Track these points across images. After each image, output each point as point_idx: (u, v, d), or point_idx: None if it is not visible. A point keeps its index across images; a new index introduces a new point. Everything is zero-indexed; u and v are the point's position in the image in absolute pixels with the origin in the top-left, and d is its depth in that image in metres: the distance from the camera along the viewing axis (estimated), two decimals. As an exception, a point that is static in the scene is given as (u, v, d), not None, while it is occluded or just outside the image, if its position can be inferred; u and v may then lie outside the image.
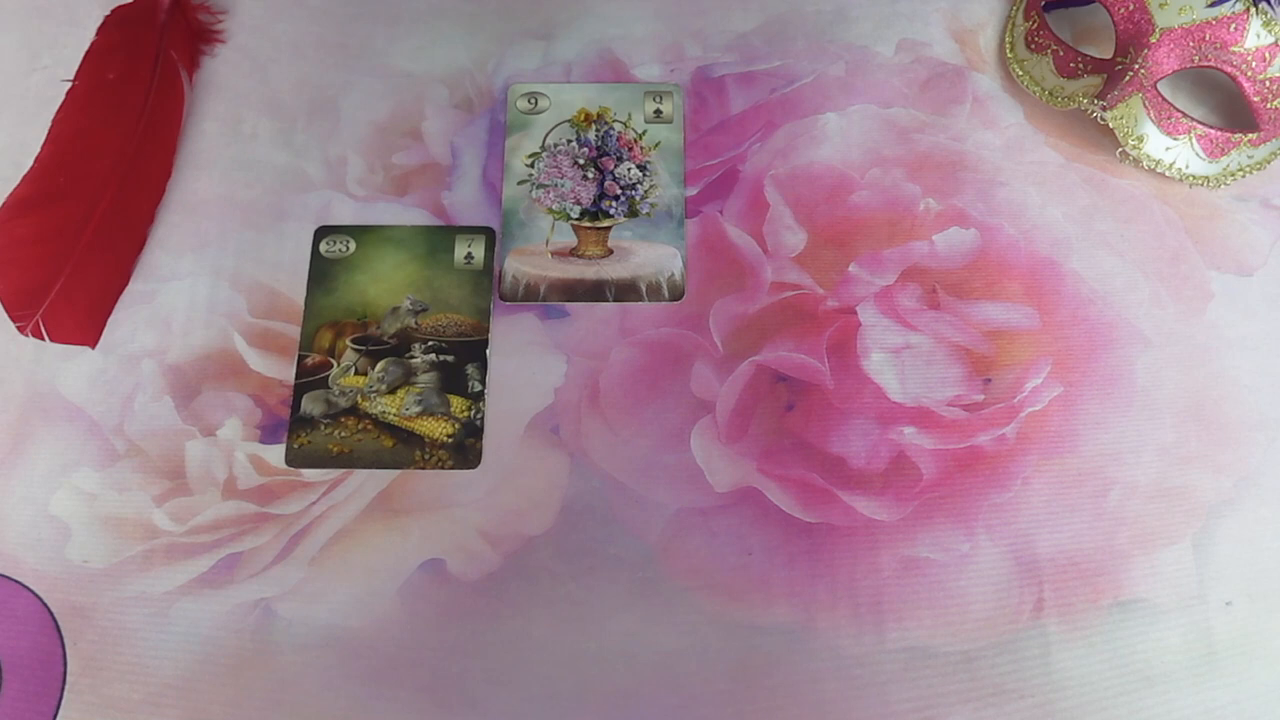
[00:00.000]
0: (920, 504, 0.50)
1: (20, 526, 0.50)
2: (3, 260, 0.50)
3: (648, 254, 0.55)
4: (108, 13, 0.56)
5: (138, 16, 0.55)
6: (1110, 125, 0.55)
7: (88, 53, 0.54)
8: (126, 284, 0.53)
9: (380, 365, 0.52)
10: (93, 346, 0.52)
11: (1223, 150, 0.56)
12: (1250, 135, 0.55)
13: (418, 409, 0.52)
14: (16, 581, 0.49)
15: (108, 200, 0.51)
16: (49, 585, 0.49)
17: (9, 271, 0.50)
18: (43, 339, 0.51)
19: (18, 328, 0.51)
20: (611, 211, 0.56)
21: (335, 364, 0.53)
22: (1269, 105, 0.55)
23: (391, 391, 0.52)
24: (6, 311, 0.50)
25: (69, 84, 0.53)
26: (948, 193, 0.56)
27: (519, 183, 0.57)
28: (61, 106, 0.53)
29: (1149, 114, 0.55)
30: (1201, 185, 0.56)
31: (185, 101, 0.55)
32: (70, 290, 0.51)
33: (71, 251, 0.50)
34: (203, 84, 0.60)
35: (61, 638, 0.48)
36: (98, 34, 0.54)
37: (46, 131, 0.52)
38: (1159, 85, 0.55)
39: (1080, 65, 0.57)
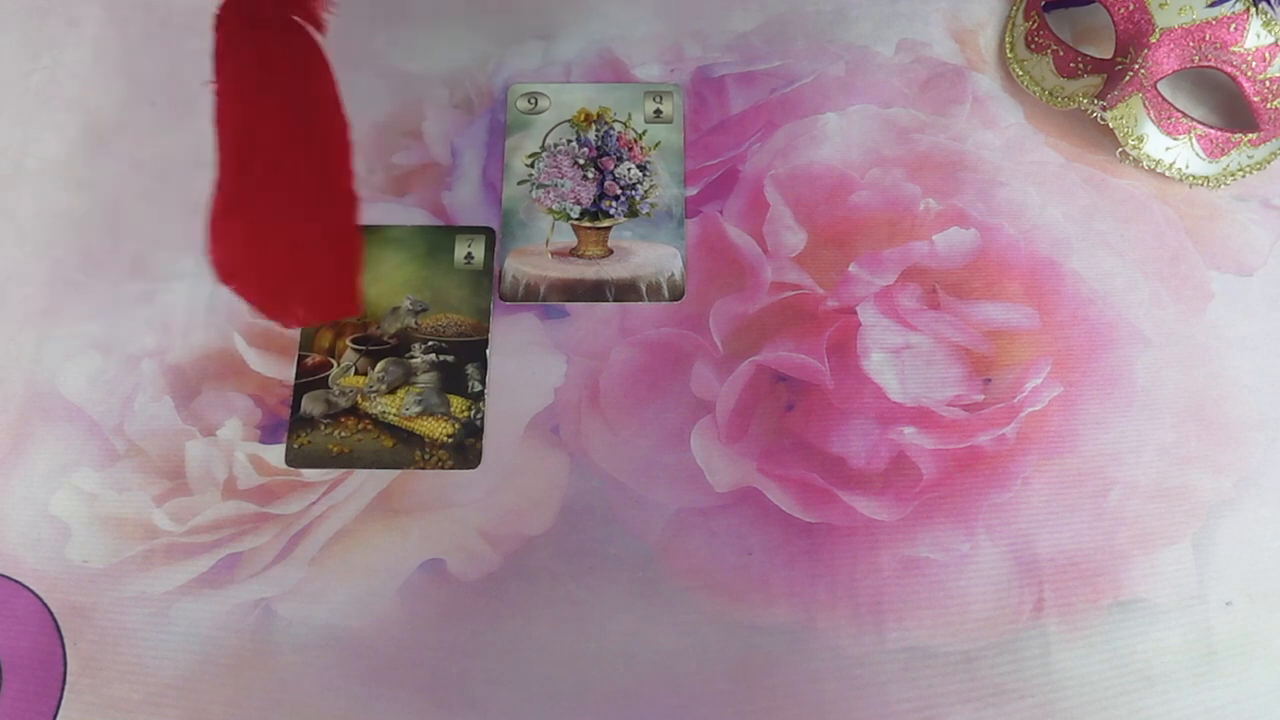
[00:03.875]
0: (920, 504, 0.50)
1: (20, 526, 0.50)
2: (236, 264, 0.49)
3: (648, 254, 0.55)
4: (215, 9, 0.54)
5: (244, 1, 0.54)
6: (1110, 125, 0.55)
7: (216, 51, 0.52)
8: (360, 244, 0.51)
9: (380, 365, 0.53)
10: (358, 315, 0.52)
11: (1223, 150, 0.56)
12: (1250, 135, 0.55)
13: (418, 409, 0.52)
14: (16, 581, 0.49)
15: (302, 177, 0.50)
16: (49, 585, 0.49)
17: (247, 275, 0.49)
18: (313, 325, 0.52)
19: (280, 324, 0.50)
20: (611, 211, 0.56)
21: (335, 364, 0.53)
22: (1269, 105, 0.55)
23: (391, 391, 0.52)
24: (266, 317, 0.49)
25: (210, 86, 0.51)
26: (948, 193, 0.56)
27: (519, 183, 0.57)
28: (217, 110, 0.51)
29: (1149, 114, 0.55)
30: (1201, 185, 0.56)
31: (327, 59, 0.53)
32: (311, 272, 0.49)
33: (290, 236, 0.49)
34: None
35: (61, 638, 0.48)
36: (216, 31, 0.53)
37: (215, 141, 0.50)
38: (1159, 85, 0.55)
39: (1080, 65, 0.57)
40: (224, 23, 0.52)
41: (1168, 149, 0.55)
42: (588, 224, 0.56)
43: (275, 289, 0.49)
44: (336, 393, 0.52)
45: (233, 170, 0.50)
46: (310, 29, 0.51)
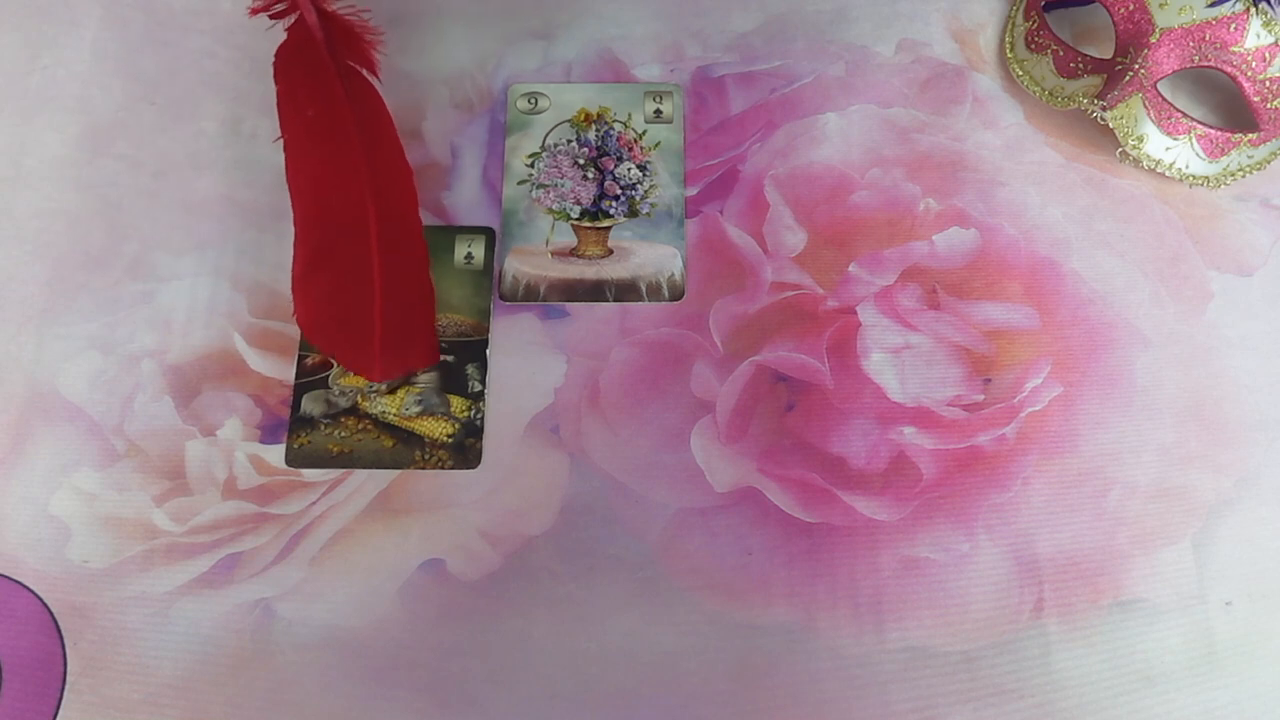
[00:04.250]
0: (920, 504, 0.50)
1: (20, 526, 0.50)
2: (319, 326, 0.51)
3: (648, 254, 0.55)
4: (272, 58, 0.53)
5: (299, 46, 0.53)
6: (1110, 125, 0.55)
7: (279, 102, 0.52)
8: (433, 291, 0.53)
9: (380, 365, 0.52)
10: (437, 361, 0.53)
11: (1223, 150, 0.56)
12: (1250, 135, 0.55)
13: (418, 409, 0.52)
14: (16, 581, 0.49)
15: (376, 225, 0.50)
16: (49, 585, 0.49)
17: (333, 333, 0.50)
18: (398, 377, 0.52)
19: (376, 383, 0.51)
20: (611, 211, 0.56)
21: (335, 364, 0.53)
22: (1269, 105, 0.55)
23: (391, 391, 0.52)
24: (355, 372, 0.51)
25: (279, 140, 0.52)
26: (948, 193, 0.56)
27: (519, 183, 0.57)
28: (287, 163, 0.52)
29: (1149, 114, 0.55)
30: (1201, 185, 0.56)
31: (383, 102, 0.54)
32: (393, 322, 0.50)
33: (373, 289, 0.50)
34: (203, 84, 0.60)
35: (61, 638, 0.48)
36: (276, 82, 0.53)
37: (289, 198, 0.52)
38: (1159, 85, 0.55)
39: (1080, 65, 0.57)
40: (283, 74, 0.52)
41: (1168, 149, 0.55)
42: (588, 224, 0.56)
43: (359, 343, 0.50)
44: (336, 393, 0.52)
45: (309, 226, 0.51)
46: (366, 74, 0.52)
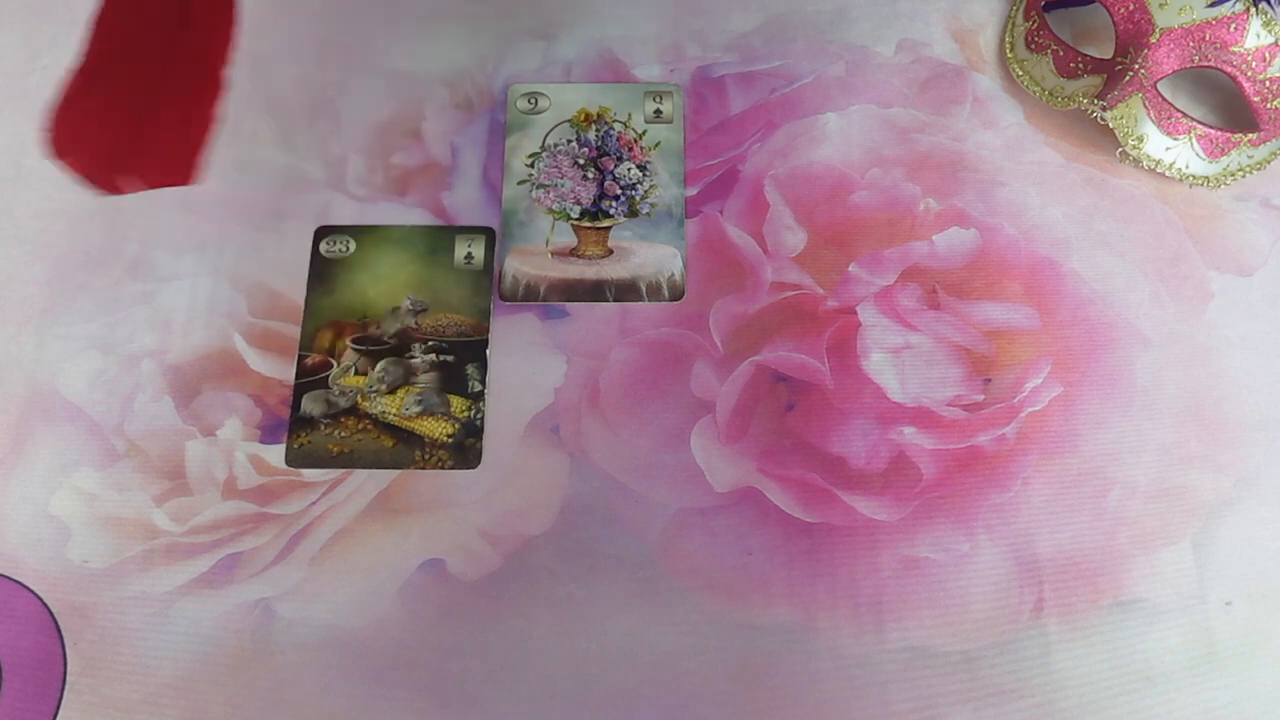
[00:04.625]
0: (920, 504, 0.50)
1: (20, 526, 0.50)
2: (75, 137, 0.48)
3: (648, 254, 0.55)
4: None
5: None
6: (1110, 125, 0.55)
7: None
8: (211, 125, 0.52)
9: (380, 365, 0.53)
10: (188, 183, 0.51)
11: (1223, 150, 0.56)
12: (1250, 135, 0.55)
13: (418, 409, 0.52)
14: (16, 581, 0.49)
15: (169, 50, 0.49)
16: (49, 585, 0.49)
17: (83, 147, 0.48)
18: (139, 191, 0.50)
19: (102, 192, 0.50)
20: (611, 211, 0.56)
21: (335, 364, 0.53)
22: (1269, 105, 0.55)
23: (391, 391, 0.52)
24: (91, 184, 0.50)
25: None
26: (948, 193, 0.56)
27: (519, 183, 0.57)
28: None
29: (1149, 114, 0.55)
30: (1201, 185, 0.56)
31: None
32: (153, 142, 0.49)
33: (143, 107, 0.48)
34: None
35: (61, 638, 0.48)
36: None
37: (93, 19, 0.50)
38: (1159, 85, 0.55)
39: (1080, 65, 0.57)
40: None
41: (1168, 149, 0.55)
42: (588, 224, 0.56)
43: (108, 160, 0.49)
44: (336, 393, 0.52)
45: (101, 49, 0.50)
46: None
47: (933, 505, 0.50)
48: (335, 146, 0.58)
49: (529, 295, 0.54)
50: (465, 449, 0.51)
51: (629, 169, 0.57)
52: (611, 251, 0.55)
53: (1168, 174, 0.56)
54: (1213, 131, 0.55)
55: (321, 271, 0.55)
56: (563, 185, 0.56)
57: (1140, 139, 0.55)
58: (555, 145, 0.58)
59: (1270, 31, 0.53)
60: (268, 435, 0.51)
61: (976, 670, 0.47)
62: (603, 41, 0.61)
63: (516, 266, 0.55)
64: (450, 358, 0.53)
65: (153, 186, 0.50)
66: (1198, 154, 0.56)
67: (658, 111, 0.58)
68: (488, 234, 0.56)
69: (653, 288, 0.54)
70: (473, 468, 0.51)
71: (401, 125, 0.59)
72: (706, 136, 0.58)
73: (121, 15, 0.51)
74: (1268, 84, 0.54)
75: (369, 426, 0.51)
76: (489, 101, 0.59)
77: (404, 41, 0.61)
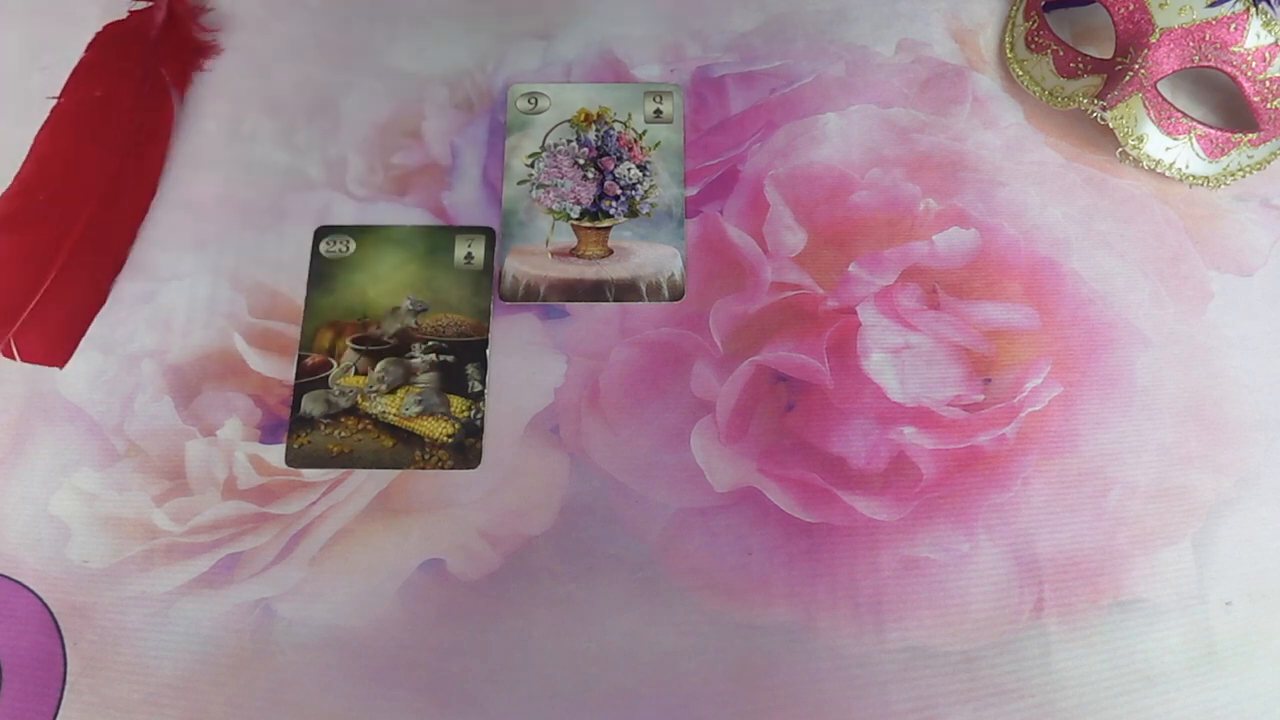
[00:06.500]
0: (920, 504, 0.50)
1: (20, 526, 0.50)
2: None
3: (648, 254, 0.55)
4: (100, 28, 0.54)
5: (130, 33, 0.53)
6: (1110, 125, 0.55)
7: (75, 69, 0.52)
8: (102, 305, 0.53)
9: (380, 365, 0.53)
10: (60, 367, 0.52)
11: (1223, 150, 0.56)
12: (1250, 135, 0.55)
13: (418, 409, 0.52)
14: (16, 581, 0.49)
15: (86, 221, 0.50)
16: (49, 585, 0.49)
17: None
18: (13, 359, 0.50)
19: None
20: (611, 211, 0.56)
21: (335, 364, 0.53)
22: (1269, 105, 0.55)
23: (391, 391, 0.52)
24: None
25: (54, 101, 0.51)
26: (948, 193, 0.56)
27: (519, 183, 0.57)
28: (46, 123, 0.51)
29: (1149, 114, 0.55)
30: (1201, 185, 0.56)
31: (174, 121, 0.54)
32: (44, 311, 0.50)
33: (47, 272, 0.49)
34: (203, 84, 0.60)
35: (61, 638, 0.48)
36: (87, 50, 0.52)
37: (28, 149, 0.51)
38: (1159, 85, 0.55)
39: (1080, 65, 0.57)
40: (97, 46, 0.52)
41: (1168, 149, 0.55)
42: (588, 224, 0.56)
43: (2, 312, 0.49)
44: (336, 393, 0.52)
45: (29, 187, 0.51)
46: (174, 90, 0.52)
47: (933, 505, 0.50)
48: (335, 146, 0.58)
49: (529, 295, 0.54)
50: (465, 449, 0.51)
51: (629, 169, 0.57)
52: (611, 251, 0.55)
53: (1168, 174, 0.56)
54: (1213, 131, 0.55)
55: (321, 271, 0.55)
56: (563, 185, 0.56)
57: (1140, 139, 0.55)
58: (555, 145, 0.58)
59: (1270, 31, 0.53)
60: (268, 435, 0.51)
61: (976, 670, 0.47)
62: (603, 41, 0.61)
63: (516, 266, 0.55)
64: (450, 358, 0.53)
65: (25, 361, 0.50)
66: (1198, 154, 0.56)
67: (658, 111, 0.58)
68: (488, 234, 0.56)
69: (653, 288, 0.54)
70: (473, 468, 0.51)
71: (401, 125, 0.59)
72: (706, 136, 0.58)
73: (59, 160, 0.51)
74: (1268, 84, 0.54)
75: (369, 426, 0.51)
76: (489, 101, 0.59)
77: (404, 41, 0.61)
